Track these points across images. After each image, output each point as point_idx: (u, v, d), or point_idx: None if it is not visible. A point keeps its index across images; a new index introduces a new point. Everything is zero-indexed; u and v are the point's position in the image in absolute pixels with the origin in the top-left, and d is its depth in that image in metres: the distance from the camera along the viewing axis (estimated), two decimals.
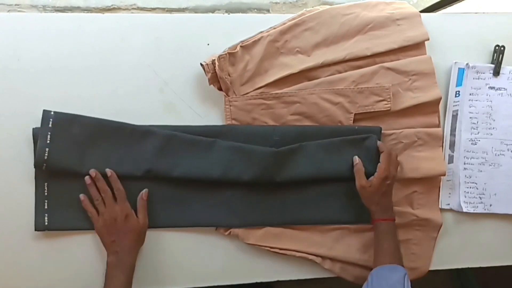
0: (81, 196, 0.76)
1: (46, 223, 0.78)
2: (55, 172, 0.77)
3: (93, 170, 0.75)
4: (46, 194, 0.77)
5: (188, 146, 0.79)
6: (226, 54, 0.80)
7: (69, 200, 0.78)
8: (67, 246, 0.79)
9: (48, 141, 0.75)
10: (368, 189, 0.78)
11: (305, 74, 0.83)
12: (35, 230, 0.78)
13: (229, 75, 0.81)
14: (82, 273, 0.80)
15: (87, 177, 0.75)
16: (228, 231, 0.82)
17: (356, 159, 0.81)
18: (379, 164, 0.78)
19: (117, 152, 0.78)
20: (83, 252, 0.80)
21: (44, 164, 0.75)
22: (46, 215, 0.77)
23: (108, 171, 0.76)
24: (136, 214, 0.76)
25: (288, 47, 0.83)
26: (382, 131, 0.83)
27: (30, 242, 0.78)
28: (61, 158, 0.75)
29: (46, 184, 0.77)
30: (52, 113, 0.75)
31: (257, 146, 0.80)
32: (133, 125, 0.79)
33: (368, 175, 0.79)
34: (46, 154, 0.74)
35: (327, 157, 0.82)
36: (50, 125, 0.75)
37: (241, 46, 0.81)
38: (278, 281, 0.85)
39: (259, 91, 0.82)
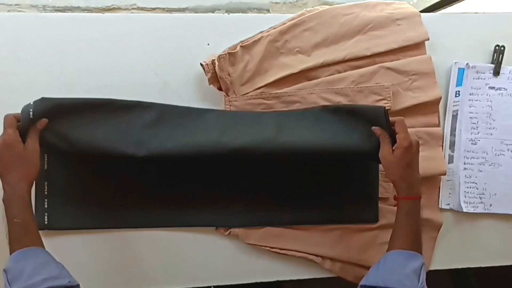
0: None
1: (46, 222, 0.78)
2: (55, 171, 0.77)
3: None
4: (46, 193, 0.78)
5: (181, 116, 0.77)
6: (226, 54, 0.80)
7: (69, 199, 0.78)
8: (67, 246, 0.79)
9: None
10: (392, 159, 0.69)
11: (305, 74, 0.83)
12: None
13: (229, 75, 0.81)
14: (82, 273, 0.79)
15: None
16: (228, 231, 0.82)
17: (377, 129, 0.71)
18: (397, 134, 0.69)
19: (107, 126, 0.73)
20: (83, 251, 0.79)
21: None
22: (46, 214, 0.78)
23: None
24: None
25: (288, 47, 0.83)
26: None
27: None
28: (48, 142, 0.71)
29: (46, 183, 0.78)
30: (31, 103, 0.70)
31: (254, 112, 0.79)
32: (123, 100, 0.75)
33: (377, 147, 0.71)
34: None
35: (335, 124, 0.76)
36: (31, 116, 0.69)
37: (241, 46, 0.81)
38: (285, 281, 0.85)
39: (259, 91, 0.82)
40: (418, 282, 0.61)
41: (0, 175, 0.64)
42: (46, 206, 0.78)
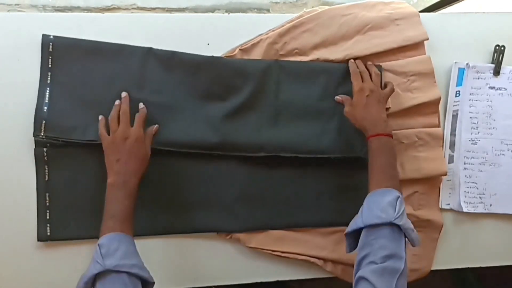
0: (100, 116, 0.74)
1: (49, 233, 0.78)
2: (56, 183, 0.77)
3: (125, 93, 0.75)
4: (47, 204, 0.77)
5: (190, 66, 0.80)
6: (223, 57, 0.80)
7: (71, 209, 0.77)
8: (70, 256, 0.79)
9: (50, 66, 0.76)
10: (350, 109, 0.77)
11: None
12: (38, 240, 0.78)
13: None
14: None
15: (117, 100, 0.74)
16: (230, 235, 0.82)
17: (338, 97, 0.81)
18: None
19: (119, 77, 0.77)
20: (86, 261, 0.78)
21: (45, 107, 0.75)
22: (48, 225, 0.77)
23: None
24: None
25: (287, 49, 0.82)
26: None
27: (33, 252, 0.78)
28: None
29: (47, 194, 0.77)
30: (52, 36, 0.77)
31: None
32: (134, 46, 0.79)
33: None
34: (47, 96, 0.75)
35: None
36: (50, 50, 0.76)
37: (240, 49, 0.81)
38: (292, 280, 0.85)
39: None
40: (394, 212, 0.63)
41: (117, 161, 0.69)
42: (48, 217, 0.78)
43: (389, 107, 0.83)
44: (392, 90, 0.79)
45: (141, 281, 0.62)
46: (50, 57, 0.76)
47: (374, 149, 0.72)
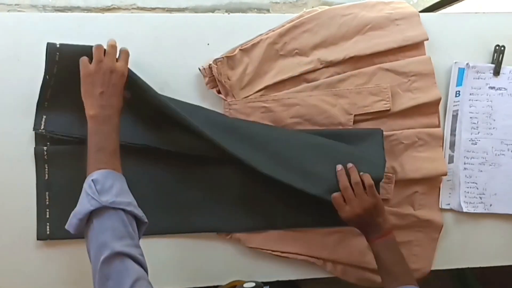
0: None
1: (48, 232, 0.78)
2: (56, 181, 0.77)
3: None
4: (47, 203, 0.78)
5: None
6: (224, 58, 0.80)
7: (70, 208, 0.77)
8: (69, 255, 0.79)
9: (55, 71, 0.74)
10: (349, 223, 0.75)
11: (304, 76, 0.83)
12: (37, 239, 0.78)
13: (228, 79, 0.80)
14: (87, 281, 0.79)
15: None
16: (230, 235, 0.82)
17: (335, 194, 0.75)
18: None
19: None
20: (85, 260, 0.79)
21: (46, 103, 0.75)
22: (48, 224, 0.78)
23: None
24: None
25: (287, 49, 0.83)
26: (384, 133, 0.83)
27: (33, 251, 0.78)
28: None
29: (47, 193, 0.77)
30: (58, 45, 0.72)
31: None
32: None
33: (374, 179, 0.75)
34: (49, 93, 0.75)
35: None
36: (56, 59, 0.72)
37: (240, 50, 0.81)
38: (303, 280, 0.86)
39: (258, 94, 0.82)
40: None
41: (101, 94, 0.65)
42: (48, 216, 0.78)
43: (389, 109, 0.83)
44: (373, 194, 0.73)
45: (135, 220, 0.62)
46: (56, 66, 0.73)
47: (373, 251, 0.73)
